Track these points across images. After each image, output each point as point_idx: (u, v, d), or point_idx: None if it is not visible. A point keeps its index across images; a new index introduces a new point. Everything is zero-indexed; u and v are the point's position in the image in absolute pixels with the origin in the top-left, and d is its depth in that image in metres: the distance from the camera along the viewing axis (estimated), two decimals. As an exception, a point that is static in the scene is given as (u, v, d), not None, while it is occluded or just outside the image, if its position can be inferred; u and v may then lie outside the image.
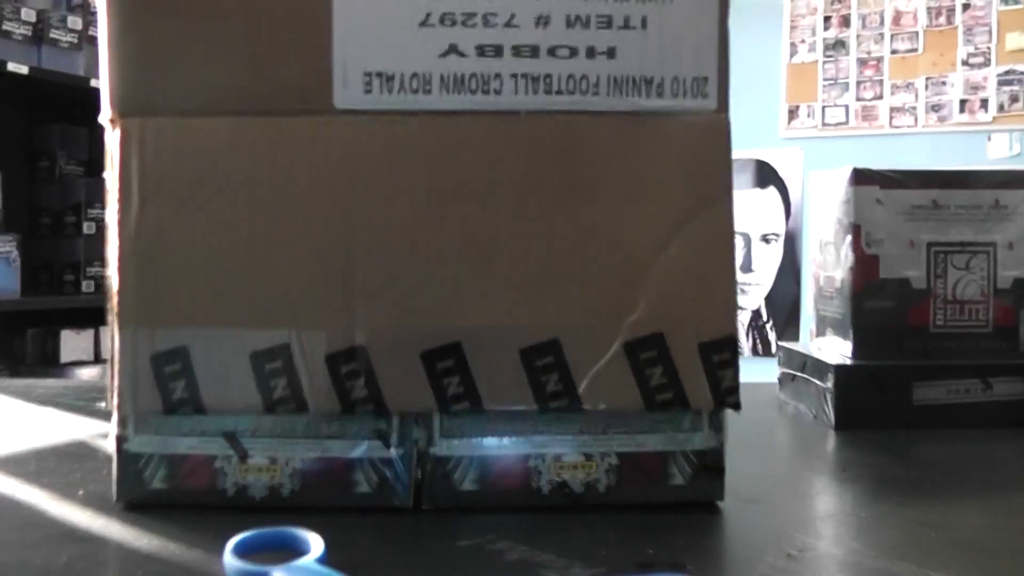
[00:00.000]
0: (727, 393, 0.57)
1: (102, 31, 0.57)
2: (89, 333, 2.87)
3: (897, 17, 4.01)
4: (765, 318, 4.18)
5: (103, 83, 0.57)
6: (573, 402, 0.57)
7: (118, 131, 0.57)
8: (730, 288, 0.58)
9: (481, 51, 0.57)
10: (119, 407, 0.56)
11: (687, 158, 0.58)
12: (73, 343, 2.83)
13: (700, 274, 0.57)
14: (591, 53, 0.57)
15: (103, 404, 0.94)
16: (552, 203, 0.57)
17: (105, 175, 0.57)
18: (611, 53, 0.57)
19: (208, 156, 0.57)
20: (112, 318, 0.56)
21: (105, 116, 0.57)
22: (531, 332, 0.56)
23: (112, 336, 0.56)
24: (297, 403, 0.56)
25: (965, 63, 3.89)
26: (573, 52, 0.57)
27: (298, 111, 0.57)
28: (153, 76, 0.57)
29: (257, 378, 0.56)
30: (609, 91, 0.58)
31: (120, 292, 0.56)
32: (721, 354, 0.57)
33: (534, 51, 0.57)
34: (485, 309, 0.56)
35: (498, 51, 0.57)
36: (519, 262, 0.57)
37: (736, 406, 0.58)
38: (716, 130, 0.58)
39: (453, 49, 0.57)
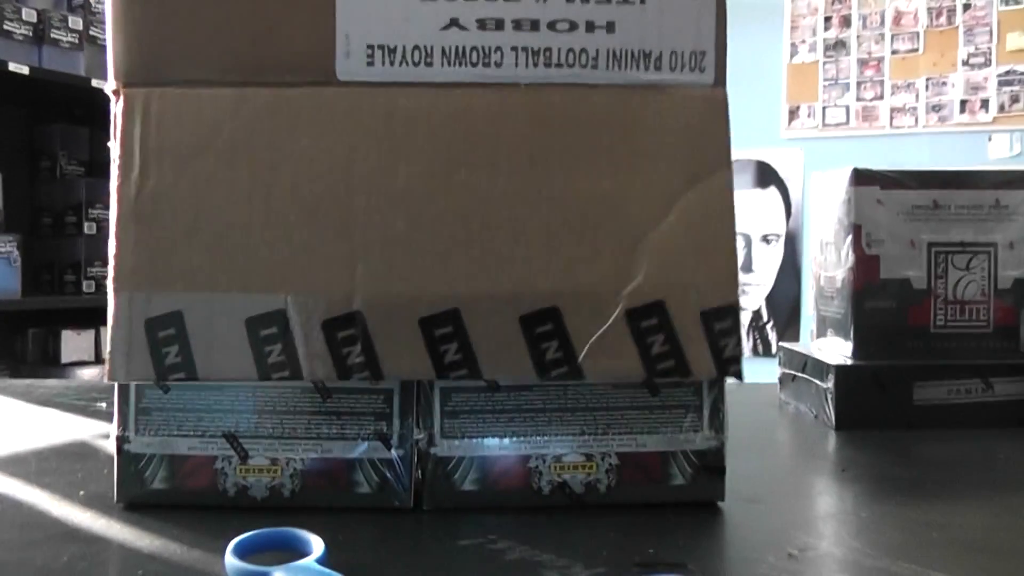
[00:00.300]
0: (729, 362, 0.57)
1: (108, 3, 0.58)
2: (90, 333, 2.87)
3: (897, 17, 4.01)
4: (766, 318, 4.18)
5: (108, 54, 0.58)
6: (573, 370, 0.56)
7: (121, 101, 0.57)
8: (731, 256, 0.58)
9: (482, 24, 0.57)
10: (111, 373, 0.56)
11: (685, 130, 0.58)
12: (74, 343, 2.83)
13: (701, 242, 0.57)
14: (590, 27, 0.58)
15: (104, 404, 0.94)
16: (552, 172, 0.57)
17: (109, 144, 0.57)
18: (610, 27, 0.58)
19: (209, 124, 0.57)
20: (108, 283, 0.56)
21: (109, 87, 0.57)
22: (530, 299, 0.56)
23: (108, 301, 0.56)
24: (292, 369, 0.56)
25: (966, 63, 3.89)
26: (573, 26, 0.58)
27: (300, 82, 0.57)
28: (157, 48, 0.57)
29: (252, 344, 0.56)
30: (608, 65, 0.58)
31: (117, 257, 0.56)
32: (723, 322, 0.57)
33: (534, 25, 0.58)
34: (484, 276, 0.56)
35: (499, 24, 0.58)
36: (518, 230, 0.57)
37: (739, 375, 0.57)
38: (714, 103, 0.59)
39: (454, 22, 0.57)
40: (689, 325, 0.56)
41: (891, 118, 4.01)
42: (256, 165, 0.57)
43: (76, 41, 2.72)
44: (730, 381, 0.60)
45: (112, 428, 0.58)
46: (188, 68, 0.57)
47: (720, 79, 0.59)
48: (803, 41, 4.18)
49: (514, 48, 0.58)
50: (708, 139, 0.58)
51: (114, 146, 0.57)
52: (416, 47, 0.57)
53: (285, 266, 0.56)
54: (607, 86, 0.58)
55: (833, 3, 4.13)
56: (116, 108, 0.57)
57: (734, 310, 0.57)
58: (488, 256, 0.56)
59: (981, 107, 3.86)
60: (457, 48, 0.57)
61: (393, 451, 0.58)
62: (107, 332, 0.56)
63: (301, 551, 0.47)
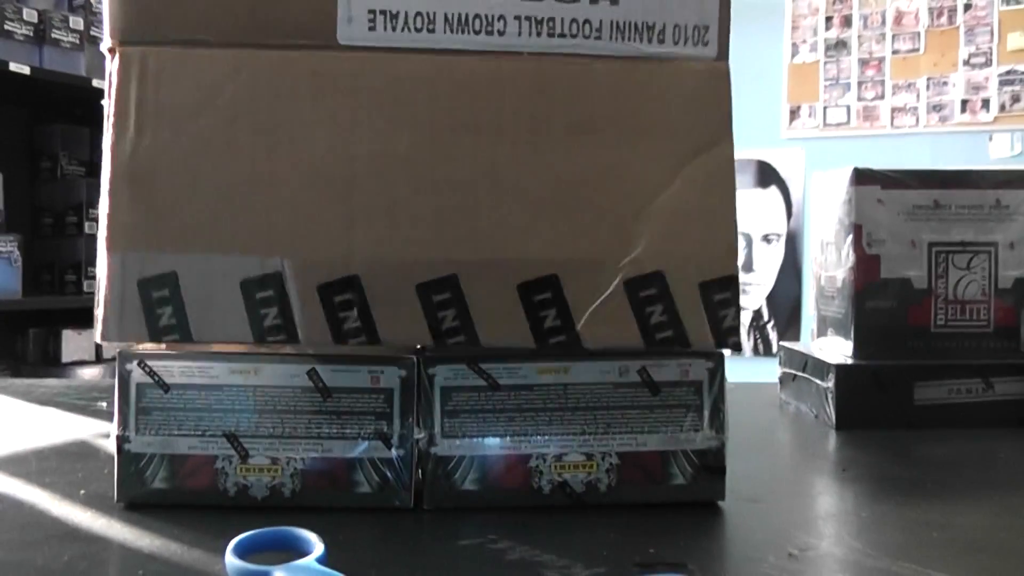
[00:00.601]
0: (728, 332, 0.57)
1: None
2: (91, 333, 2.86)
3: (898, 17, 4.01)
4: (766, 318, 4.18)
5: (105, 12, 0.57)
6: (571, 338, 0.56)
7: (117, 59, 0.57)
8: (731, 228, 0.58)
9: None
10: (104, 334, 0.55)
11: (687, 103, 0.59)
12: (75, 343, 2.83)
13: (701, 214, 0.58)
14: None
15: (104, 404, 0.94)
16: (553, 140, 0.57)
17: (103, 103, 0.57)
18: None
19: (209, 84, 0.57)
20: (101, 243, 0.56)
21: (105, 45, 0.57)
22: (529, 267, 0.56)
23: (99, 262, 0.56)
24: (287, 333, 0.55)
25: (966, 63, 3.89)
26: None
27: (301, 45, 0.57)
28: (154, 6, 0.57)
29: (247, 306, 0.55)
30: (611, 36, 0.58)
31: (110, 216, 0.55)
32: (722, 293, 0.57)
33: None
34: (483, 243, 0.56)
35: None
36: (518, 197, 0.57)
37: (737, 346, 0.57)
38: (716, 77, 0.59)
39: None
40: (688, 296, 0.57)
41: (892, 118, 4.00)
42: (256, 127, 0.56)
43: (77, 41, 2.72)
44: (731, 381, 0.60)
45: (112, 428, 0.58)
46: (186, 28, 0.57)
47: (723, 53, 0.59)
48: (804, 41, 4.18)
49: (517, 17, 0.58)
50: (710, 112, 0.59)
51: (108, 104, 0.56)
52: (419, 13, 0.57)
53: (282, 228, 0.56)
54: (610, 57, 0.58)
55: (834, 3, 4.12)
56: (111, 66, 0.57)
57: (733, 281, 0.57)
58: (487, 223, 0.56)
59: (982, 107, 3.86)
60: (460, 15, 0.58)
61: (393, 450, 0.58)
62: (98, 291, 0.55)
63: (301, 551, 0.47)
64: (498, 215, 0.57)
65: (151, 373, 0.58)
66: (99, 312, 0.55)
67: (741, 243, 4.13)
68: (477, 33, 0.58)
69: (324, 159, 0.56)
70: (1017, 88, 3.80)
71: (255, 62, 0.57)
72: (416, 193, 0.56)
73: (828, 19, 4.14)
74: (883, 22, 4.04)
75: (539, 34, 0.58)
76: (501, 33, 0.58)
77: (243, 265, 0.55)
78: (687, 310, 0.57)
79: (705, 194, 0.58)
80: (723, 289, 0.57)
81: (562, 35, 0.58)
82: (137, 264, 0.55)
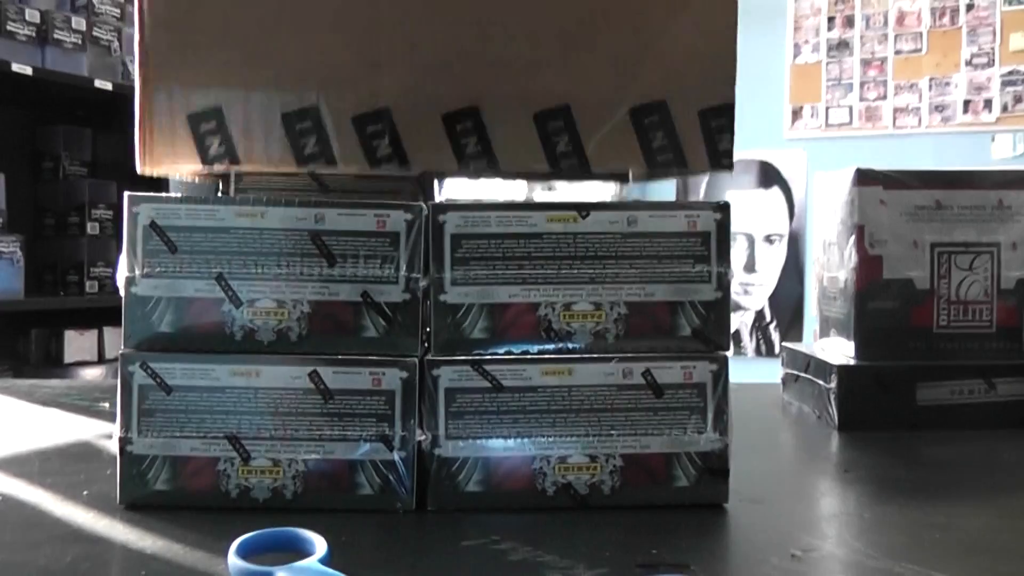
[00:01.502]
0: (722, 155, 0.62)
1: None
2: (93, 334, 2.86)
3: (901, 18, 4.00)
4: (769, 319, 4.18)
5: None
6: (582, 163, 0.61)
7: None
8: (730, 61, 0.62)
9: None
10: (154, 162, 0.61)
11: None
12: (77, 344, 2.83)
13: (703, 49, 0.62)
14: None
15: (107, 404, 0.94)
16: None
17: None
18: None
19: None
20: (136, 78, 0.60)
21: None
22: (544, 97, 0.61)
23: (137, 98, 0.60)
24: (327, 158, 0.61)
25: (969, 64, 3.88)
26: None
27: None
28: None
29: (288, 136, 0.61)
30: None
31: (152, 57, 0.60)
32: (719, 119, 0.62)
33: None
34: (501, 75, 0.62)
35: None
36: (529, 35, 0.62)
37: (729, 167, 0.62)
38: None
39: None
40: (688, 122, 0.62)
41: (894, 118, 4.00)
42: None
43: (79, 42, 2.72)
44: (733, 381, 0.60)
45: (115, 429, 0.58)
46: None
47: None
48: (806, 41, 4.18)
49: None
50: None
51: None
52: None
53: (315, 67, 0.61)
54: None
55: (836, 3, 4.12)
56: None
57: (730, 109, 0.62)
58: (503, 58, 0.62)
59: (984, 107, 3.85)
60: None
61: (395, 453, 0.58)
62: (139, 126, 0.60)
63: (304, 551, 0.47)
64: (513, 51, 0.62)
65: (153, 375, 0.58)
66: (144, 145, 0.60)
67: (744, 245, 4.13)
68: None
69: (348, 5, 0.61)
70: (1019, 88, 3.80)
71: None
72: (436, 34, 0.61)
73: (830, 20, 4.14)
74: (885, 23, 4.04)
75: None
76: None
77: (282, 100, 0.61)
78: (686, 135, 0.62)
79: (707, 30, 0.62)
80: (720, 115, 0.62)
81: None
82: (184, 99, 0.61)
